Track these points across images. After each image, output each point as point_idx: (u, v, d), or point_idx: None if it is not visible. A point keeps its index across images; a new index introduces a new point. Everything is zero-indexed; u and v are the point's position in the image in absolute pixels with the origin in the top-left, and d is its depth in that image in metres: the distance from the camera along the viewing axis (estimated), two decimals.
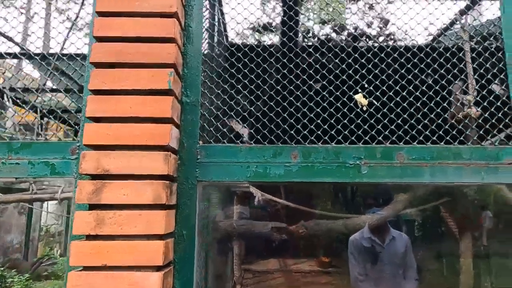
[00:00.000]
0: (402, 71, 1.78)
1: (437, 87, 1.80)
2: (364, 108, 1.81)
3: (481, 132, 1.88)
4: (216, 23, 3.54)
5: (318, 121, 1.71)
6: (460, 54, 1.88)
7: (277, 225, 4.42)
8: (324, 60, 1.75)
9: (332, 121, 1.71)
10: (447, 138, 1.70)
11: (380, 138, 1.69)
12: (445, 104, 1.75)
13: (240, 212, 5.90)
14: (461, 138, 1.73)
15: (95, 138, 1.48)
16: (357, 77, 1.74)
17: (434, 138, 1.69)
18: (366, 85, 1.73)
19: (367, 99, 1.82)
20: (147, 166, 1.45)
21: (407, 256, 4.57)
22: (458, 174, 1.64)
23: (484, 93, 1.85)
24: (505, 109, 1.72)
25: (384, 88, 1.75)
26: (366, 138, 1.69)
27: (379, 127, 1.71)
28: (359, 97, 1.85)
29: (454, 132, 1.71)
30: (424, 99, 1.76)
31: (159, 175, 1.45)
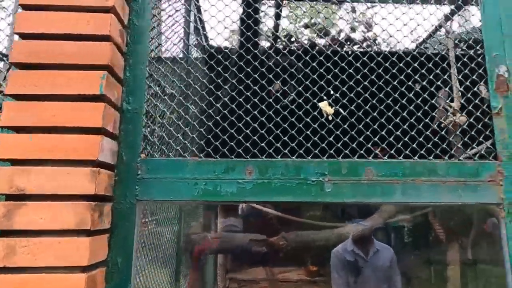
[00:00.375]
0: (372, 76, 1.60)
1: (411, 95, 1.62)
2: (330, 118, 1.63)
3: (465, 139, 1.70)
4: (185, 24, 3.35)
5: (277, 132, 1.52)
6: (434, 58, 1.70)
7: (256, 237, 4.20)
8: (285, 64, 1.56)
9: (293, 132, 1.51)
10: (422, 151, 1.52)
11: (346, 151, 1.50)
12: (419, 114, 1.57)
13: (231, 224, 5.44)
14: (444, 145, 1.55)
15: (11, 152, 1.26)
16: (322, 82, 1.55)
17: (407, 151, 1.51)
18: (332, 92, 1.54)
19: (333, 108, 1.63)
20: (70, 185, 1.24)
21: (392, 270, 4.39)
22: (433, 192, 1.45)
23: (468, 95, 1.67)
24: (486, 120, 1.54)
25: (352, 95, 1.57)
26: (331, 151, 1.49)
27: (346, 139, 1.52)
28: (323, 105, 1.67)
29: (430, 145, 1.53)
30: (397, 108, 1.57)
31: (85, 195, 1.24)
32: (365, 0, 1.93)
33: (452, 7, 2.10)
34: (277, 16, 4.18)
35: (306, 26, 4.80)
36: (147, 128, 1.51)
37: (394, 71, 1.63)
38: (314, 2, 2.08)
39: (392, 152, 1.55)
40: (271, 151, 1.49)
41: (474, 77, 1.60)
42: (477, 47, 1.63)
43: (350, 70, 1.59)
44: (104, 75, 1.33)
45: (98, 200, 1.29)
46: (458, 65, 1.62)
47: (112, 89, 1.39)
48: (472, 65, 1.61)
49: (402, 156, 1.51)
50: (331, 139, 1.50)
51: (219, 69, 1.53)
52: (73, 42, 1.35)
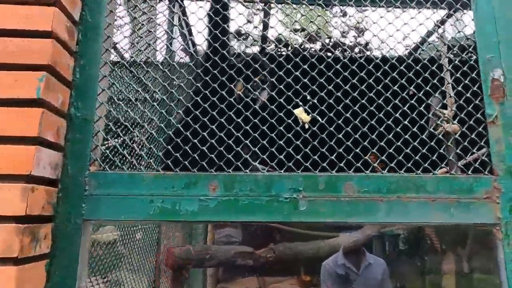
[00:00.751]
0: (354, 80, 1.44)
1: (397, 101, 1.46)
2: (306, 126, 1.46)
3: (457, 150, 1.53)
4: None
5: (246, 141, 1.34)
6: (417, 61, 1.55)
7: (243, 249, 4.00)
8: (257, 66, 1.40)
9: (264, 143, 1.34)
10: (409, 164, 1.35)
11: (324, 164, 1.33)
12: (407, 123, 1.40)
13: (228, 235, 5.10)
14: (433, 158, 1.38)
15: None
16: (297, 87, 1.39)
17: (392, 164, 1.34)
18: (309, 97, 1.38)
19: (310, 115, 1.47)
20: None
21: (384, 284, 4.20)
22: (421, 211, 1.28)
23: (460, 102, 1.51)
24: (480, 128, 1.38)
25: (331, 101, 1.40)
26: (307, 164, 1.32)
27: (323, 150, 1.35)
28: (299, 112, 1.50)
29: (418, 158, 1.36)
30: (381, 115, 1.41)
31: (13, 216, 1.06)
32: (355, 4, 1.77)
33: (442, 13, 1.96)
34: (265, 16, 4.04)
35: (296, 30, 4.67)
36: (99, 137, 1.33)
37: (379, 74, 1.47)
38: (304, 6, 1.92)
39: (384, 158, 1.38)
40: (238, 163, 1.31)
41: (467, 81, 1.44)
42: (470, 50, 1.48)
43: (329, 73, 1.43)
44: (42, 77, 1.15)
45: (32, 221, 1.11)
46: (449, 68, 1.46)
47: (55, 92, 1.22)
48: (465, 69, 1.45)
49: (387, 169, 1.34)
50: (307, 150, 1.33)
51: (182, 70, 1.36)
52: (8, 38, 1.18)
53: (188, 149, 1.31)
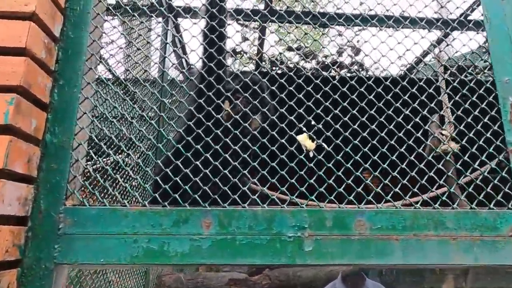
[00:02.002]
0: (362, 104, 1.32)
1: (408, 126, 1.33)
2: (311, 154, 1.32)
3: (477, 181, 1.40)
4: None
5: (244, 172, 1.20)
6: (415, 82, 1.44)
7: (237, 276, 3.79)
8: (255, 87, 1.27)
9: (264, 173, 1.20)
10: (425, 196, 1.22)
11: (332, 197, 1.19)
12: (420, 150, 1.28)
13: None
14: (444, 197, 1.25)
15: None
16: (301, 110, 1.26)
17: (407, 198, 1.20)
18: (313, 123, 1.25)
19: (315, 142, 1.33)
20: None
21: None
22: (441, 251, 1.14)
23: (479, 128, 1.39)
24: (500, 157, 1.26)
25: (338, 126, 1.27)
26: (312, 197, 1.18)
27: (331, 181, 1.21)
28: (303, 139, 1.37)
29: (437, 192, 1.23)
30: (393, 142, 1.28)
31: None
32: (353, 24, 1.67)
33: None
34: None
35: (290, 49, 4.61)
36: (78, 167, 1.18)
37: (388, 97, 1.35)
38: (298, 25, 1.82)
39: (387, 182, 1.25)
40: (236, 197, 1.17)
41: (484, 105, 1.33)
42: (485, 71, 1.37)
43: (335, 96, 1.30)
44: (12, 99, 1.01)
45: None
46: (465, 91, 1.34)
47: (27, 116, 1.07)
48: (481, 92, 1.34)
49: (401, 202, 1.20)
50: (312, 181, 1.19)
51: (173, 92, 1.23)
52: None
53: (179, 181, 1.16)
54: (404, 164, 1.28)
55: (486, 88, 1.38)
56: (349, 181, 1.21)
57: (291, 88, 1.30)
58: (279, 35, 1.63)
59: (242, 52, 4.47)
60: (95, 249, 1.08)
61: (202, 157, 1.19)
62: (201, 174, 1.17)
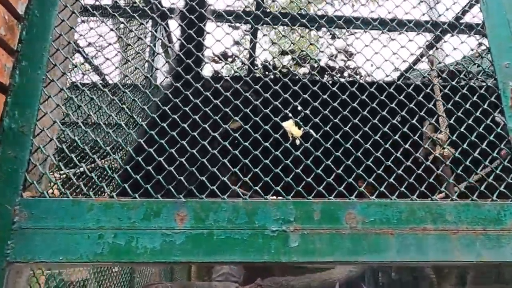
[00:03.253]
0: (353, 88, 1.22)
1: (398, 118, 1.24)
2: (297, 142, 1.22)
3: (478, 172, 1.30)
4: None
5: (225, 160, 1.09)
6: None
7: (226, 286, 3.63)
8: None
9: (246, 161, 1.09)
10: (423, 188, 1.11)
11: (320, 188, 1.08)
12: (416, 138, 1.18)
13: (226, 273, 4.40)
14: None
15: None
16: (286, 95, 1.16)
17: (403, 188, 1.10)
18: (300, 108, 1.15)
19: (302, 129, 1.23)
20: None
21: None
22: (441, 246, 1.03)
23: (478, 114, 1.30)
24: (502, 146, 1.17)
25: (326, 112, 1.18)
26: (299, 188, 1.07)
27: (319, 171, 1.11)
28: (289, 125, 1.27)
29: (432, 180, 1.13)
30: (386, 129, 1.19)
31: None
32: (347, 27, 1.60)
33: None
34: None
35: (283, 52, 4.55)
36: (39, 156, 1.07)
37: (380, 97, 1.26)
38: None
39: (383, 189, 1.14)
40: (214, 187, 1.06)
41: (482, 91, 1.24)
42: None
43: (324, 80, 1.21)
44: None
45: None
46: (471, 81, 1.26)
47: None
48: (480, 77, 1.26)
49: (396, 195, 1.10)
50: (298, 171, 1.09)
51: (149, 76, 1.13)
52: None
53: (151, 170, 1.05)
54: (398, 152, 1.18)
55: (480, 90, 1.29)
56: (339, 171, 1.11)
57: (287, 96, 1.20)
58: (271, 39, 1.55)
59: (233, 56, 4.41)
60: (54, 246, 0.96)
61: (178, 145, 1.08)
62: (176, 163, 1.06)
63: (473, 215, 1.07)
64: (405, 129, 1.21)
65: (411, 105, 1.25)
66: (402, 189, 1.12)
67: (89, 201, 1.00)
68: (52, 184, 1.18)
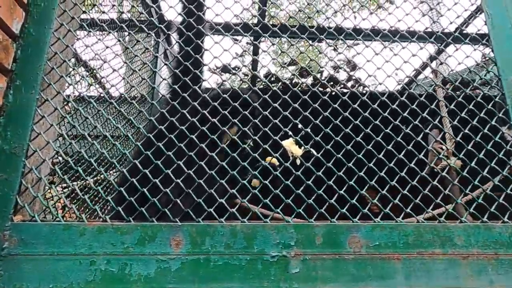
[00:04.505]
0: (355, 105, 1.19)
1: (407, 131, 1.20)
2: (297, 162, 1.18)
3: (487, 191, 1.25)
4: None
5: (222, 181, 1.05)
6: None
7: None
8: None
9: (244, 182, 1.05)
10: (430, 210, 1.06)
11: (322, 210, 1.03)
12: (421, 156, 1.14)
13: None
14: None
15: None
16: (286, 113, 1.12)
17: (409, 210, 1.05)
18: (300, 126, 1.11)
19: (302, 148, 1.19)
20: None
21: None
22: (451, 272, 0.98)
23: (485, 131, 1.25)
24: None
25: (328, 130, 1.14)
26: (300, 210, 1.03)
27: (320, 191, 1.07)
28: (289, 144, 1.23)
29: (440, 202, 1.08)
30: (390, 147, 1.14)
31: None
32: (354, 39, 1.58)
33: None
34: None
35: (288, 64, 4.55)
36: (31, 177, 1.03)
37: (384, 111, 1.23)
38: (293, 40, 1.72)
39: (385, 192, 1.10)
40: (211, 210, 1.01)
41: (489, 106, 1.20)
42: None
43: (325, 97, 1.17)
44: None
45: None
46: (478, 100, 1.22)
47: None
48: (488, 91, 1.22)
49: (402, 216, 1.05)
50: (299, 191, 1.05)
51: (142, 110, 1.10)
52: None
53: (146, 192, 1.01)
54: (403, 173, 1.13)
55: (485, 101, 1.25)
56: (342, 192, 1.06)
57: (291, 101, 1.17)
58: (273, 53, 1.52)
59: (236, 68, 4.41)
60: (44, 273, 0.92)
61: (174, 166, 1.04)
62: (172, 185, 1.02)
63: (483, 238, 1.01)
64: (409, 147, 1.16)
65: (416, 122, 1.21)
66: (409, 210, 1.07)
67: (81, 226, 0.97)
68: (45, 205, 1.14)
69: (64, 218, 1.10)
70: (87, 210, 1.31)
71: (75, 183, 1.22)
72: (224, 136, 1.22)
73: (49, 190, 1.12)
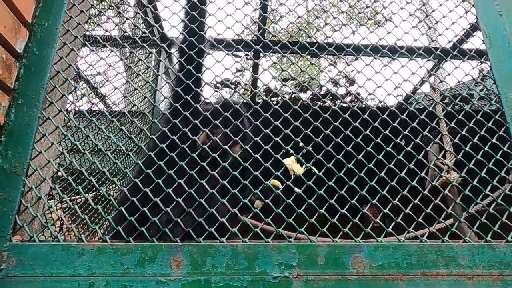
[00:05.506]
0: (356, 123, 1.19)
1: (407, 148, 1.20)
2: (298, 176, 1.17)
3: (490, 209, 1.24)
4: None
5: (223, 200, 1.04)
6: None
7: None
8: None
9: (245, 201, 1.04)
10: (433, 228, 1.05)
11: (324, 229, 1.02)
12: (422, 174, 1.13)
13: None
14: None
15: None
16: (287, 131, 1.13)
17: (411, 229, 1.04)
18: (302, 144, 1.11)
19: (304, 166, 1.19)
20: None
21: None
22: None
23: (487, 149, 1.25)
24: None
25: (329, 148, 1.14)
26: (302, 229, 1.02)
27: (322, 210, 1.06)
28: (290, 163, 1.23)
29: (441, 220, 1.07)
30: (391, 165, 1.14)
31: None
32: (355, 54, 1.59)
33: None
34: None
35: (285, 80, 4.59)
36: (31, 197, 1.03)
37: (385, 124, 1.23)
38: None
39: (387, 211, 1.09)
40: (212, 230, 1.00)
41: (490, 124, 1.21)
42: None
43: (326, 115, 1.18)
44: None
45: None
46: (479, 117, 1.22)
47: None
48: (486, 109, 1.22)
49: (404, 235, 1.04)
50: (301, 211, 1.04)
51: (143, 128, 1.10)
52: None
53: (147, 211, 1.00)
54: (406, 191, 1.13)
55: (485, 116, 1.26)
56: (344, 211, 1.05)
57: (287, 115, 1.18)
58: (273, 69, 1.54)
59: (236, 83, 4.45)
60: None
61: (175, 184, 1.03)
62: (173, 204, 1.01)
63: (488, 258, 1.00)
64: (411, 165, 1.16)
65: (417, 140, 1.21)
66: (411, 229, 1.06)
67: (80, 246, 0.95)
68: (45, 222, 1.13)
69: (64, 236, 1.09)
70: (87, 227, 1.29)
71: (77, 196, 1.21)
72: (232, 148, 1.21)
73: (48, 210, 1.11)
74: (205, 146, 1.09)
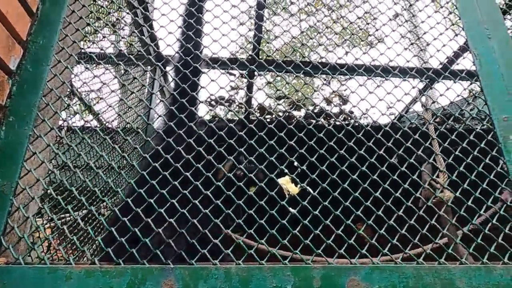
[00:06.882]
0: (351, 143, 1.19)
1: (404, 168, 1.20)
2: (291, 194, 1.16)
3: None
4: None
5: (217, 221, 1.02)
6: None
7: None
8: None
9: (239, 221, 1.03)
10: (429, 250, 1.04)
11: (319, 251, 1.00)
12: (418, 195, 1.13)
13: None
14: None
15: None
16: (282, 150, 1.12)
17: (407, 251, 1.03)
18: (296, 164, 1.11)
19: (298, 186, 1.18)
20: None
21: None
22: None
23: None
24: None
25: (324, 168, 1.13)
26: (296, 251, 1.00)
27: (317, 231, 1.04)
28: (284, 182, 1.22)
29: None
30: (386, 186, 1.14)
31: None
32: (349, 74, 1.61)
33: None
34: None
35: (279, 98, 4.63)
36: (18, 216, 1.00)
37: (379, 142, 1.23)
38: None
39: (383, 232, 1.07)
40: (205, 251, 0.98)
41: (482, 145, 1.21)
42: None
43: (321, 135, 1.18)
44: None
45: None
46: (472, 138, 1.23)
47: None
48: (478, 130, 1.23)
49: (400, 258, 1.02)
50: (296, 231, 1.02)
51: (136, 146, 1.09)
52: None
53: (138, 232, 0.97)
54: (401, 211, 1.12)
55: (477, 134, 1.28)
56: (339, 231, 1.04)
57: (281, 134, 1.18)
58: (268, 89, 1.55)
59: (230, 101, 4.47)
60: None
61: (167, 204, 1.01)
62: (165, 225, 0.99)
63: (485, 280, 0.98)
64: (406, 185, 1.16)
65: (411, 160, 1.21)
66: (407, 250, 1.05)
67: (67, 269, 0.92)
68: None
69: (52, 257, 1.05)
70: (75, 247, 1.26)
71: (67, 215, 1.17)
72: (219, 172, 1.20)
73: (36, 230, 1.08)
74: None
